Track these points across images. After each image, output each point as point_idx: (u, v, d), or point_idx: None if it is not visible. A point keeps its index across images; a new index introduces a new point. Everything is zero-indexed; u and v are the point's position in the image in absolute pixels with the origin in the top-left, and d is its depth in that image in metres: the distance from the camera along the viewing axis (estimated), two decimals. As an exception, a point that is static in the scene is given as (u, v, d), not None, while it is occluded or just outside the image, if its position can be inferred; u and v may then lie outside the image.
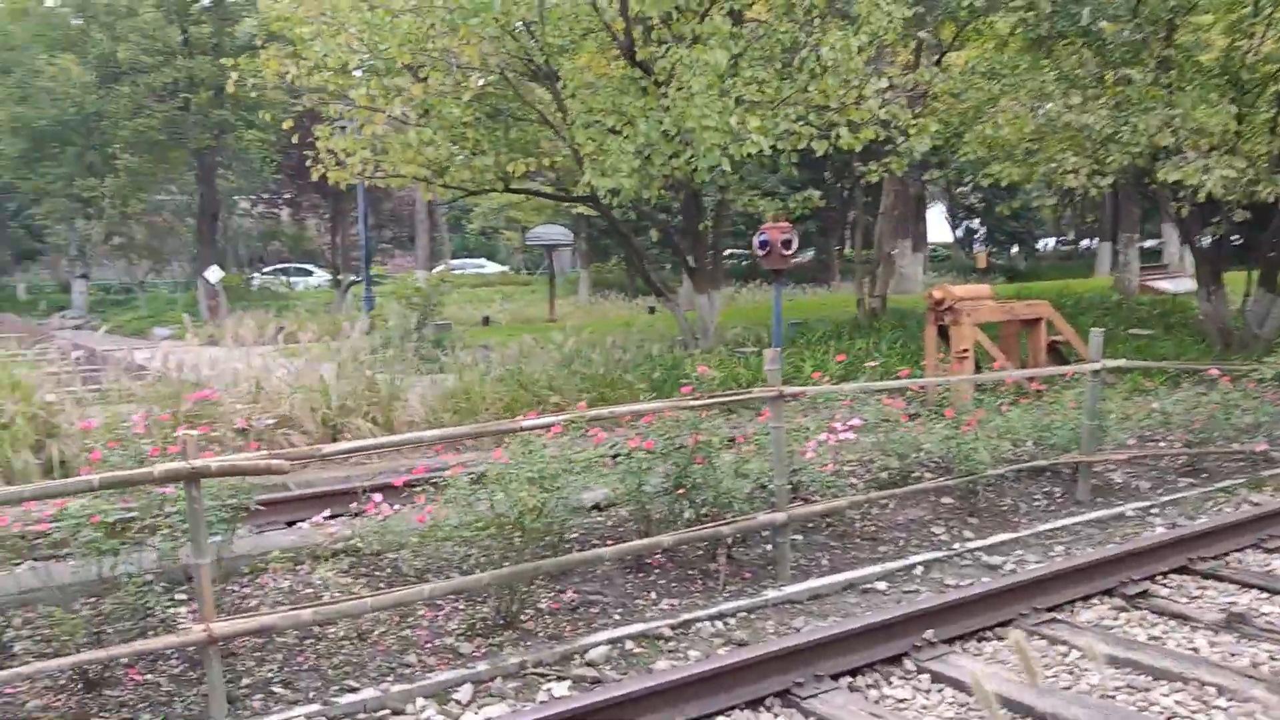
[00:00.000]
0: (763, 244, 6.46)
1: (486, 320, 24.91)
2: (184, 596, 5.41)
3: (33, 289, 45.55)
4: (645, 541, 5.58)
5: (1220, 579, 6.33)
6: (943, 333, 11.53)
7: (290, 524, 7.11)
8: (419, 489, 5.62)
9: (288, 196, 43.50)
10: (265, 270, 47.30)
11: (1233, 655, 5.15)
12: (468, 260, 53.86)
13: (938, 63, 14.99)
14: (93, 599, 4.60)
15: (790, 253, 6.46)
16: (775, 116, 10.79)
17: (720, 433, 6.66)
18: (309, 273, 47.58)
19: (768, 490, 6.38)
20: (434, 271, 24.80)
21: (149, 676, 4.75)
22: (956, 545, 6.82)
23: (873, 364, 8.72)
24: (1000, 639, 5.48)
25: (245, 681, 4.74)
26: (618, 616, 5.59)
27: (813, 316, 19.40)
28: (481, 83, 10.37)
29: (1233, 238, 17.61)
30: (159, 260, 40.37)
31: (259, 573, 5.71)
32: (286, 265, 49.14)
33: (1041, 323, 12.00)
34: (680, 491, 5.97)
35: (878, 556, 6.63)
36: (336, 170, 11.73)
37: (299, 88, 11.23)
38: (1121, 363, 7.94)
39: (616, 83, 11.32)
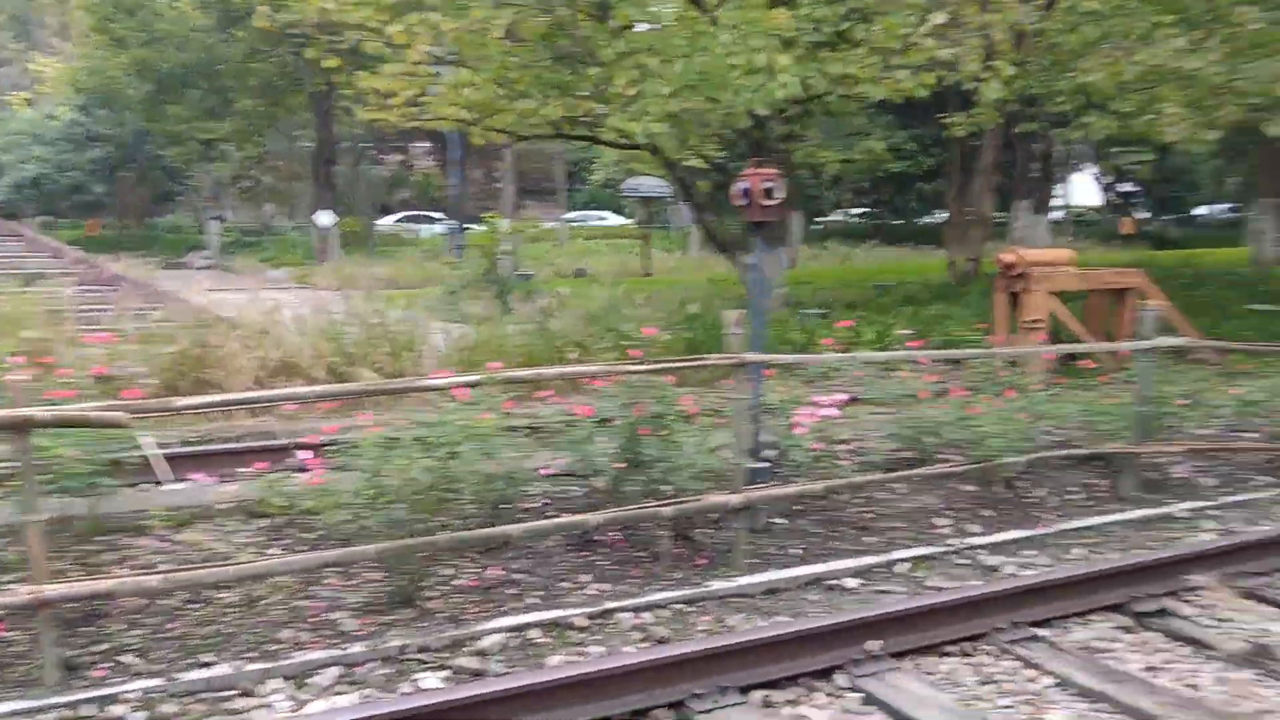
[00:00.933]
0: (742, 192, 5.75)
1: (580, 273, 24.56)
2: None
3: (173, 230, 47.56)
4: (561, 521, 5.04)
5: (1262, 600, 5.39)
6: (1015, 300, 10.52)
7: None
8: (335, 449, 5.20)
9: (395, 143, 43.92)
10: (396, 218, 48.06)
11: (1239, 698, 4.29)
12: (590, 212, 53.56)
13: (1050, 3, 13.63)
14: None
15: (774, 202, 5.71)
16: (837, 59, 9.90)
17: (705, 401, 6.06)
18: (436, 221, 48.13)
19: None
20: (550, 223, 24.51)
21: (11, 633, 4.50)
22: (954, 541, 6.03)
23: (905, 332, 7.88)
24: (966, 655, 4.75)
25: (102, 647, 4.44)
26: (535, 600, 5.07)
27: (906, 279, 18.32)
28: (506, 24, 9.81)
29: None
30: (285, 204, 41.48)
31: (169, 530, 5.44)
32: (415, 213, 49.89)
33: (1132, 294, 10.81)
34: (622, 466, 5.40)
35: (860, 549, 5.91)
36: (379, 112, 11.43)
37: (340, 24, 10.88)
38: (1181, 341, 6.91)
39: (668, 20, 10.61)
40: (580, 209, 53.35)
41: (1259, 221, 18.23)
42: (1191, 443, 7.25)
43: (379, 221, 44.21)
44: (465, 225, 24.86)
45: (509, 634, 4.69)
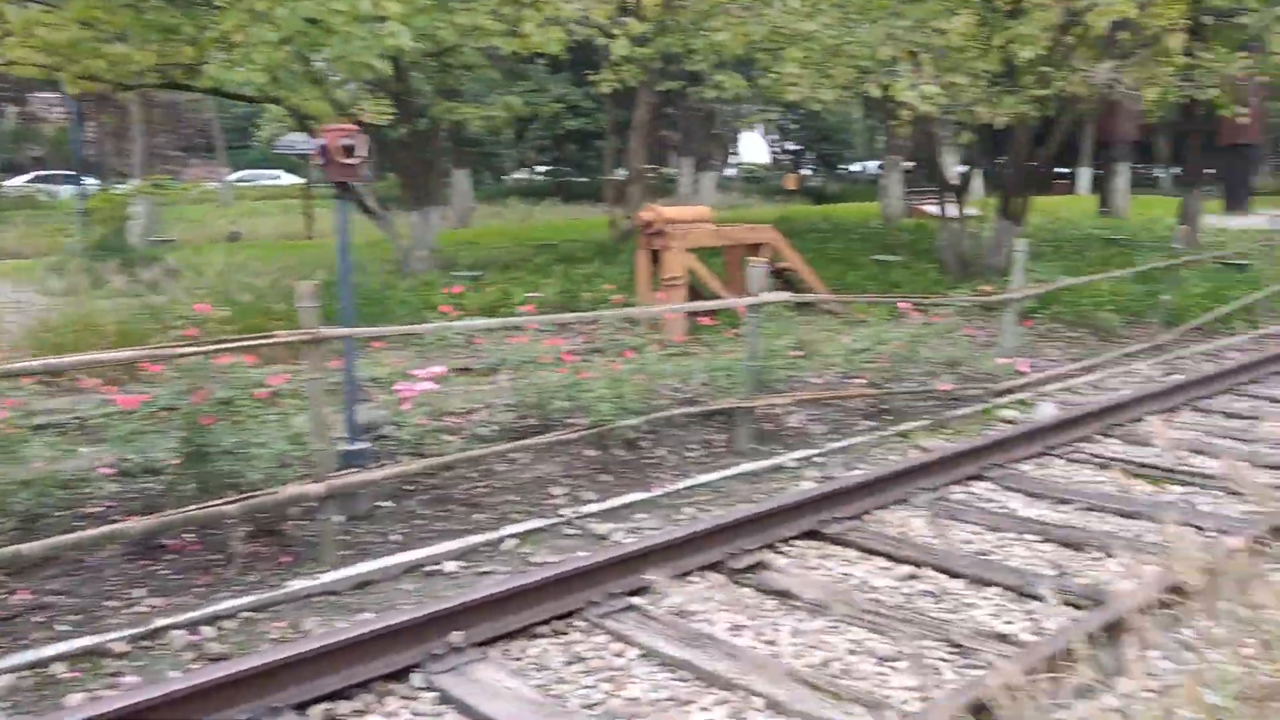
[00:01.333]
0: (320, 150, 5.22)
1: (234, 236, 22.77)
2: None
3: None
4: (88, 533, 4.35)
5: (847, 544, 5.60)
6: (656, 258, 10.63)
7: None
8: None
9: (11, 93, 38.97)
10: (28, 178, 42.64)
11: (810, 649, 4.36)
12: (263, 171, 50.24)
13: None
14: None
15: (355, 161, 5.22)
16: (464, 10, 9.45)
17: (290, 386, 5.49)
18: (78, 181, 43.13)
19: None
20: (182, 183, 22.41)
21: None
22: (567, 511, 5.87)
23: (535, 295, 7.66)
24: (558, 635, 4.55)
25: None
26: (68, 626, 4.36)
27: (573, 238, 18.31)
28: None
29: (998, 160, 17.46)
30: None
31: None
32: (52, 172, 44.52)
33: (765, 249, 11.24)
34: (178, 462, 4.76)
35: (468, 528, 5.61)
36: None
37: None
38: (785, 296, 7.13)
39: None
40: (253, 167, 50.02)
41: (887, 178, 19.84)
42: (801, 393, 7.53)
43: (6, 182, 39.16)
44: (105, 186, 22.30)
45: (23, 673, 3.98)
